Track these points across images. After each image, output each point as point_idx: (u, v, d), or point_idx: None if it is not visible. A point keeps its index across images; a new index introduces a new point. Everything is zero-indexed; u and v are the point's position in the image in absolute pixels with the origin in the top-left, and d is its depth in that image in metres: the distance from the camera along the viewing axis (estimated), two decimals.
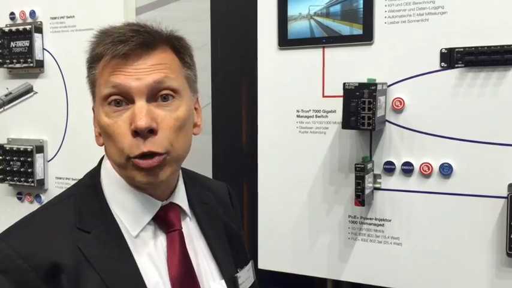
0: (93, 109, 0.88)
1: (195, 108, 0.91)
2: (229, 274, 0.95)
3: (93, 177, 0.88)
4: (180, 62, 0.86)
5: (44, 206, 0.88)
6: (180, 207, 0.91)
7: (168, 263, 0.85)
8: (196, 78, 0.91)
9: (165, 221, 0.87)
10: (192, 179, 0.99)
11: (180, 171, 0.93)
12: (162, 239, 0.86)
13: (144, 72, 0.80)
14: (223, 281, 0.93)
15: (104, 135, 0.83)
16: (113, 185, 0.86)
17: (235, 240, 1.02)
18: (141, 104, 0.79)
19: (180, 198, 0.92)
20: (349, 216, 1.39)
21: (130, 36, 0.79)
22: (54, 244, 0.78)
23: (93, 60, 0.83)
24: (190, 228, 0.92)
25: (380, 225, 1.36)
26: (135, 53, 0.79)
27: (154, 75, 0.80)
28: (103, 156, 0.90)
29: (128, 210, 0.85)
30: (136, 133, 0.78)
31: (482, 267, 1.25)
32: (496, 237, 1.23)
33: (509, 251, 1.19)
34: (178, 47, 0.86)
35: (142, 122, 0.77)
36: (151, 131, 0.78)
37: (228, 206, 1.09)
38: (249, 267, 1.03)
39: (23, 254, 0.76)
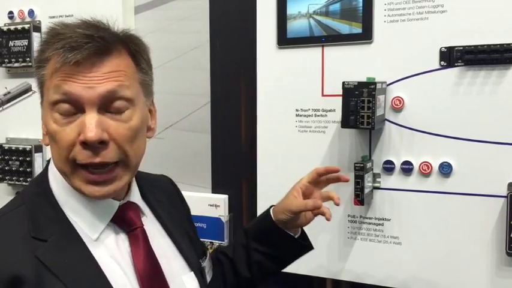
0: (41, 103, 0.85)
1: (150, 111, 0.88)
2: (196, 266, 0.96)
3: (42, 183, 0.85)
4: (136, 67, 0.83)
5: None
6: (137, 205, 0.89)
7: (133, 262, 0.83)
8: (152, 81, 0.88)
9: (125, 220, 0.86)
10: (142, 178, 0.97)
11: None
12: (124, 239, 0.85)
13: (96, 80, 0.76)
14: (192, 273, 0.93)
15: (50, 140, 0.80)
16: (64, 190, 0.83)
17: (190, 235, 1.03)
18: (91, 115, 0.76)
19: (136, 196, 0.91)
20: (349, 215, 1.39)
21: (84, 42, 0.75)
22: (10, 256, 0.75)
23: (41, 60, 0.80)
24: (150, 226, 0.90)
25: (379, 224, 1.36)
26: (88, 61, 0.76)
27: (107, 84, 0.77)
28: (49, 160, 0.87)
29: (85, 214, 0.82)
30: (86, 145, 0.75)
31: (482, 266, 1.25)
32: (496, 236, 1.23)
33: (509, 250, 1.19)
34: (134, 51, 0.83)
35: (92, 134, 0.74)
36: (102, 142, 0.76)
37: (175, 197, 1.09)
38: (209, 257, 1.05)
39: None
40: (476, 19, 1.22)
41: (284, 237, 1.09)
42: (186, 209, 1.12)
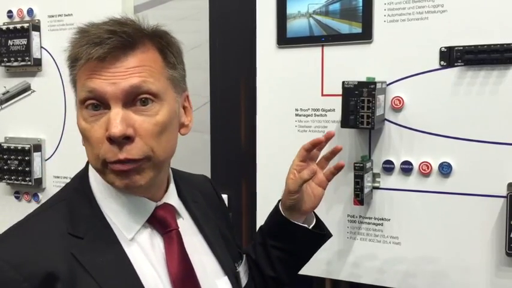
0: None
1: (184, 107, 0.88)
2: (231, 270, 0.95)
3: (82, 180, 0.86)
4: (163, 62, 0.82)
5: (34, 213, 0.85)
6: (173, 207, 0.89)
7: (167, 264, 0.83)
8: (182, 76, 0.87)
9: (161, 221, 0.85)
10: (181, 178, 0.97)
11: (170, 171, 0.92)
12: (159, 240, 0.84)
13: (120, 76, 0.76)
14: (226, 278, 0.92)
15: (83, 138, 0.81)
16: (102, 188, 0.84)
17: (227, 236, 1.02)
18: (116, 111, 0.76)
19: (173, 198, 0.90)
20: (348, 215, 1.39)
21: (106, 38, 0.75)
22: (47, 252, 0.75)
23: (71, 61, 0.80)
24: (186, 228, 0.90)
25: (379, 224, 1.36)
26: (112, 56, 0.76)
27: (131, 79, 0.76)
28: None
29: (122, 213, 0.83)
30: (111, 140, 0.75)
31: (482, 266, 1.25)
32: (496, 236, 1.23)
33: (509, 251, 1.19)
34: (161, 45, 0.82)
35: (116, 130, 0.74)
36: (127, 138, 0.76)
37: (213, 197, 1.08)
38: (245, 261, 1.03)
39: (14, 263, 0.73)
40: (476, 19, 1.22)
41: (298, 230, 1.07)
42: (224, 210, 1.11)
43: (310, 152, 1.11)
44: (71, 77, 0.82)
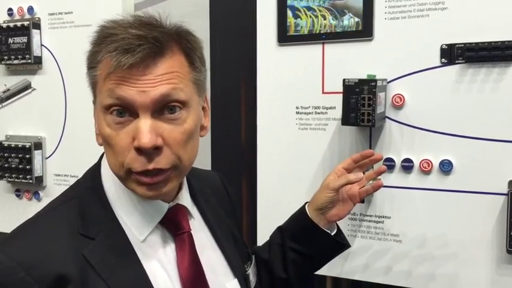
0: (94, 102, 0.83)
1: (203, 108, 0.86)
2: (240, 272, 0.94)
3: (94, 178, 0.84)
4: (189, 66, 0.79)
5: (44, 210, 0.83)
6: (186, 208, 0.88)
7: (178, 267, 0.82)
8: (205, 78, 0.85)
9: (174, 223, 0.84)
10: (193, 176, 0.95)
11: None
12: (170, 242, 0.83)
13: (150, 84, 0.73)
14: (236, 280, 0.92)
15: (104, 143, 0.79)
16: (115, 188, 0.82)
17: (236, 236, 1.01)
18: (145, 120, 0.73)
19: (186, 198, 0.89)
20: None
21: (137, 45, 0.72)
22: (58, 253, 0.74)
23: (93, 62, 0.77)
24: (197, 229, 0.89)
25: (379, 222, 1.36)
26: (142, 63, 0.73)
27: (161, 88, 0.73)
28: (103, 154, 0.85)
29: (134, 214, 0.81)
30: (140, 150, 0.73)
31: (482, 264, 1.25)
32: (496, 234, 1.23)
33: (510, 248, 1.19)
34: (187, 48, 0.79)
35: (146, 140, 0.72)
36: (156, 148, 0.74)
37: (224, 195, 1.07)
38: (254, 262, 1.03)
39: (25, 265, 0.71)
40: (477, 16, 1.22)
41: (321, 234, 1.08)
42: (234, 208, 1.10)
43: (357, 163, 1.16)
44: (91, 77, 0.79)
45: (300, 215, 1.11)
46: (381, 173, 1.18)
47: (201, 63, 0.83)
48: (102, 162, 0.85)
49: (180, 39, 0.79)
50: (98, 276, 0.74)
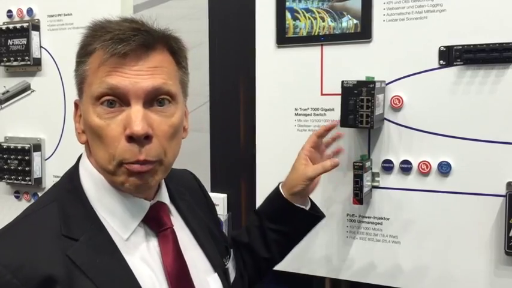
0: (75, 103, 0.84)
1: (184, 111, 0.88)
2: (219, 267, 0.95)
3: (73, 179, 0.84)
4: (176, 65, 0.83)
5: (25, 213, 0.82)
6: (166, 205, 0.89)
7: (163, 263, 0.83)
8: (188, 82, 0.88)
9: (156, 220, 0.85)
10: (169, 176, 0.94)
11: None
12: (153, 240, 0.84)
13: (142, 75, 0.76)
14: (216, 275, 0.93)
15: (93, 136, 0.78)
16: (96, 188, 0.82)
17: (214, 232, 1.02)
18: (137, 109, 0.75)
19: (165, 196, 0.90)
20: (348, 214, 1.39)
21: (132, 35, 0.75)
22: (43, 255, 0.73)
23: (85, 55, 0.79)
24: (177, 226, 0.90)
25: (378, 223, 1.36)
26: (135, 54, 0.75)
27: (153, 80, 0.76)
28: (80, 155, 0.86)
29: (116, 213, 0.82)
30: (131, 139, 0.74)
31: (481, 265, 1.25)
32: (495, 235, 1.23)
33: (508, 250, 1.19)
34: (175, 49, 0.83)
35: (139, 128, 0.73)
36: (146, 137, 0.75)
37: (199, 193, 1.09)
38: (232, 256, 1.04)
39: (11, 267, 0.71)
40: (475, 18, 1.22)
41: (298, 212, 1.12)
42: (210, 205, 1.12)
43: (321, 137, 1.20)
44: (80, 72, 0.80)
45: (276, 198, 1.14)
46: (335, 139, 1.27)
47: (186, 66, 0.86)
48: (80, 164, 0.86)
49: (168, 40, 0.82)
50: (84, 275, 0.74)
